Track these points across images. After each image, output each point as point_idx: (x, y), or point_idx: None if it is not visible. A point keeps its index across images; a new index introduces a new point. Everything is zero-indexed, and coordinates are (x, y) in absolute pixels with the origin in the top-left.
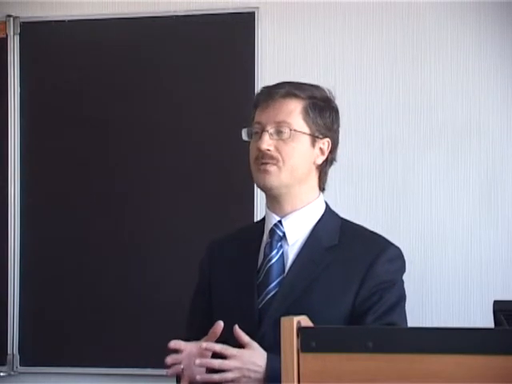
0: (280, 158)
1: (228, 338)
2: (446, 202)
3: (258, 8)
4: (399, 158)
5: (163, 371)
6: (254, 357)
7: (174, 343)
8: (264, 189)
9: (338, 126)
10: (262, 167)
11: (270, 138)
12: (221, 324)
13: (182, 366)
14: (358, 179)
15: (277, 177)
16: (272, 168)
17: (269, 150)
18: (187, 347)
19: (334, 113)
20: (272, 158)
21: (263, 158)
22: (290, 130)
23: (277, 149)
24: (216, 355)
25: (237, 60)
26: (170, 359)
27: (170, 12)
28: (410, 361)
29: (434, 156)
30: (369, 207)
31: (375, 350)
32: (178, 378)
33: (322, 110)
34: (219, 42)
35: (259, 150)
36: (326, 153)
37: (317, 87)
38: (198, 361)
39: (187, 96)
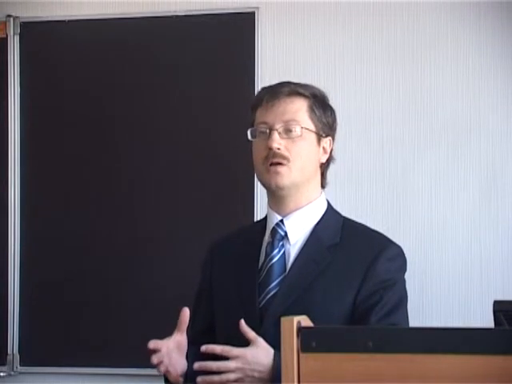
0: (290, 157)
1: (230, 337)
2: (446, 201)
3: (258, 8)
4: (399, 158)
5: None
6: (259, 356)
7: (153, 343)
8: (275, 189)
9: (337, 125)
10: (273, 168)
11: (280, 137)
12: (186, 310)
13: (166, 364)
14: (358, 179)
15: (288, 177)
16: (283, 169)
17: (279, 148)
18: (163, 344)
19: (333, 112)
20: (283, 157)
21: (274, 157)
22: (301, 127)
23: (286, 148)
24: (217, 357)
25: (237, 60)
26: (156, 359)
27: (170, 12)
28: (410, 361)
29: (433, 156)
30: (369, 207)
31: (375, 349)
32: (165, 376)
33: (325, 109)
34: (219, 42)
35: (270, 148)
36: (328, 151)
37: (314, 86)
38: (196, 365)
39: (187, 96)
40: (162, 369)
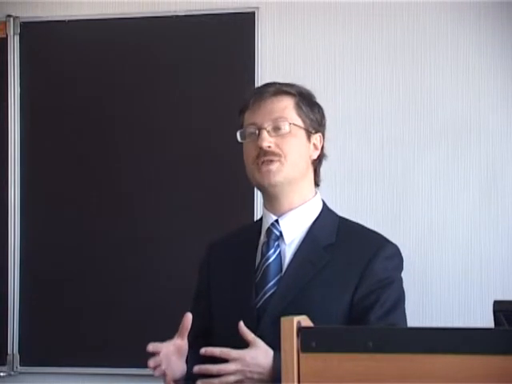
0: (282, 154)
1: (228, 338)
2: (446, 201)
3: (258, 8)
4: (399, 158)
5: None
6: (258, 357)
7: (153, 346)
8: (267, 187)
9: (325, 121)
10: (264, 167)
11: (269, 135)
12: (189, 316)
13: (163, 367)
14: (358, 179)
15: (280, 173)
16: (274, 166)
17: (269, 146)
18: (163, 348)
19: (321, 108)
20: (274, 154)
21: (265, 155)
22: (290, 123)
23: (277, 145)
24: (216, 359)
25: (237, 60)
26: (152, 363)
27: (170, 12)
28: (410, 361)
29: (433, 156)
30: (369, 207)
31: (375, 349)
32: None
33: (312, 106)
34: (219, 42)
35: (260, 147)
36: (319, 148)
37: (299, 85)
38: (196, 368)
39: (187, 96)
40: (157, 373)
